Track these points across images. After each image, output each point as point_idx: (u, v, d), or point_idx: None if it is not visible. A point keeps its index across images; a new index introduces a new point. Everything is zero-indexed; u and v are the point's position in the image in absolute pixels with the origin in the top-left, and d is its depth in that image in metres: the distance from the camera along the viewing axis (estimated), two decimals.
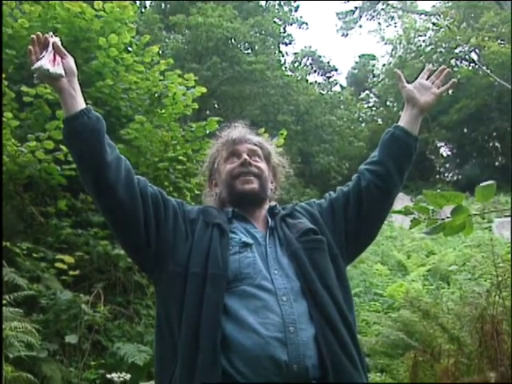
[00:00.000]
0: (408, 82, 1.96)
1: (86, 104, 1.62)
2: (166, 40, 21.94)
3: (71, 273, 4.69)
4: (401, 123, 1.84)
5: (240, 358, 1.37)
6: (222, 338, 1.39)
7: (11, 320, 3.56)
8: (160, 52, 7.94)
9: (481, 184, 2.01)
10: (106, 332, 4.71)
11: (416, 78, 1.98)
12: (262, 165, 1.74)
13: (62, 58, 1.61)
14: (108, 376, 3.53)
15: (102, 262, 5.15)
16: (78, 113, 1.55)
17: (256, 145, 1.78)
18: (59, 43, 1.62)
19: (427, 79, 1.91)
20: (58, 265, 4.66)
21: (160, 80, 6.28)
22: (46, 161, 4.87)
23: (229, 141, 1.77)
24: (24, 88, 5.18)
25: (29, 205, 5.08)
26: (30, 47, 1.58)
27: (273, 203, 1.78)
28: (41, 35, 1.59)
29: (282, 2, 25.76)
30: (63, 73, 1.58)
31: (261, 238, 1.61)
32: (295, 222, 1.66)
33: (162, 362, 1.52)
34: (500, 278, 3.79)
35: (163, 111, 6.03)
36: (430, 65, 2.06)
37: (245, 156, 1.71)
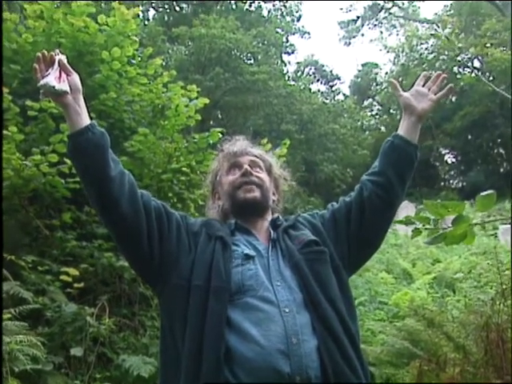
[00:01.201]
0: (405, 91, 1.96)
1: (90, 118, 1.65)
2: (169, 51, 22.08)
3: (76, 285, 4.70)
4: (400, 132, 1.85)
5: (243, 370, 1.37)
6: (226, 350, 1.39)
7: (16, 334, 3.57)
8: (163, 64, 8.01)
9: (481, 193, 2.02)
10: (111, 344, 4.71)
11: (413, 85, 1.98)
12: (263, 175, 1.76)
13: (67, 75, 1.63)
14: None
15: (107, 273, 5.16)
16: (83, 129, 1.59)
17: (257, 157, 1.80)
18: (65, 60, 1.65)
19: (424, 85, 1.90)
20: (63, 277, 4.67)
21: (163, 92, 6.32)
22: (50, 174, 4.90)
23: (230, 153, 1.80)
24: (28, 102, 5.23)
25: (34, 218, 5.11)
26: (36, 65, 1.60)
27: (275, 215, 1.79)
28: (46, 53, 1.62)
29: (284, 13, 25.88)
30: (68, 89, 1.61)
31: (263, 250, 1.62)
32: (297, 234, 1.67)
33: (167, 374, 1.53)
34: (504, 286, 3.78)
35: (166, 123, 6.06)
36: (429, 71, 2.06)
37: (246, 166, 1.73)
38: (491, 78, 21.08)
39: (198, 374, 1.39)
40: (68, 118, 1.62)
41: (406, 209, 16.28)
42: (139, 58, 6.88)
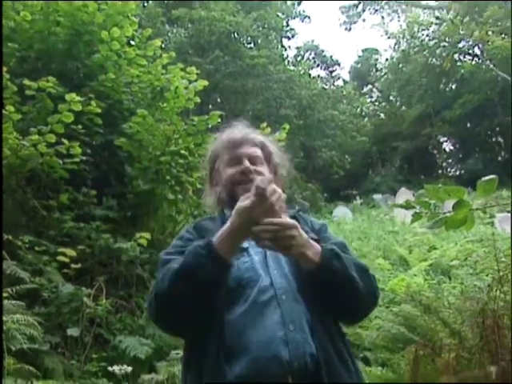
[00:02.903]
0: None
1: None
2: (169, 34, 21.92)
3: (73, 266, 4.70)
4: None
5: (243, 361, 1.38)
6: (225, 345, 1.40)
7: (13, 313, 3.57)
8: (162, 46, 7.94)
9: (482, 178, 2.01)
10: (108, 325, 4.73)
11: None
12: (262, 169, 1.72)
13: None
14: (109, 369, 3.54)
15: (104, 255, 5.17)
16: (229, 264, 1.43)
17: (257, 145, 1.76)
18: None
19: None
20: (60, 258, 4.68)
21: (162, 74, 6.28)
22: (47, 154, 4.88)
23: (230, 142, 1.73)
24: (26, 81, 5.19)
25: (31, 198, 5.09)
26: None
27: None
28: None
29: None
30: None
31: None
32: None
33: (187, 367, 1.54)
34: (501, 273, 3.79)
35: (165, 105, 6.03)
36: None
37: (246, 164, 1.67)
38: (491, 66, 20.96)
39: (201, 367, 1.41)
40: (235, 239, 1.42)
41: (403, 195, 16.34)
42: (138, 40, 6.83)
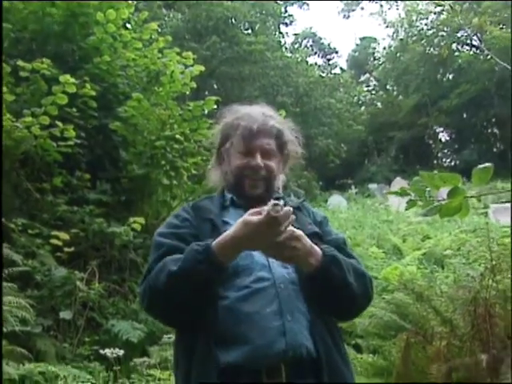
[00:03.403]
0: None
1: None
2: (166, 18, 21.71)
3: (66, 250, 4.69)
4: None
5: (238, 348, 1.37)
6: (219, 331, 1.39)
7: (6, 295, 3.56)
8: (159, 30, 7.84)
9: (478, 166, 2.00)
10: (101, 309, 4.73)
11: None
12: (274, 163, 1.65)
13: None
14: (101, 352, 3.54)
15: (98, 239, 5.15)
16: (227, 268, 1.42)
17: (273, 136, 1.66)
18: None
19: None
20: (53, 241, 4.66)
21: (158, 58, 6.21)
22: (41, 137, 4.84)
23: (246, 131, 1.64)
24: (20, 62, 5.12)
25: (24, 181, 5.06)
26: None
27: (279, 194, 1.73)
28: None
29: None
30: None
31: None
32: (304, 219, 1.63)
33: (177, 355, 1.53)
34: (494, 262, 3.80)
35: (161, 89, 5.98)
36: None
37: (257, 160, 1.62)
38: (490, 55, 20.91)
39: (191, 360, 1.39)
40: (237, 244, 1.40)
41: (398, 185, 16.34)
42: (134, 23, 6.75)
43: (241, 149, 1.64)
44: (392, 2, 30.76)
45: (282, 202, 1.37)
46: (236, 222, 1.39)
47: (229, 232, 1.39)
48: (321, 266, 1.43)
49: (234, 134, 1.67)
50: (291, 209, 1.35)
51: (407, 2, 28.53)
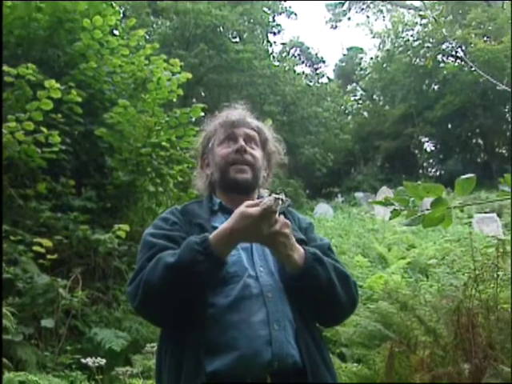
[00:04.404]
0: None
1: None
2: (154, 25, 21.68)
3: (49, 257, 4.63)
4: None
5: (225, 357, 1.36)
6: (206, 339, 1.38)
7: None
8: (146, 37, 7.84)
9: (461, 177, 2.01)
10: (84, 317, 4.68)
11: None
12: (257, 153, 1.68)
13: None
14: (83, 361, 3.50)
15: (82, 246, 5.10)
16: (224, 262, 1.41)
17: (254, 130, 1.71)
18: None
19: None
20: (36, 248, 4.60)
21: (145, 65, 6.21)
22: (25, 142, 4.79)
23: (227, 122, 1.69)
24: (5, 67, 5.08)
25: (7, 187, 5.00)
26: None
27: (264, 192, 1.74)
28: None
29: None
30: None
31: None
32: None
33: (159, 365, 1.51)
34: (477, 272, 3.83)
35: (147, 96, 5.96)
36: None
37: (241, 142, 1.64)
38: (473, 68, 21.20)
39: (181, 363, 1.38)
40: (231, 240, 1.41)
41: (384, 194, 16.47)
42: (121, 29, 6.74)
43: (223, 138, 1.66)
44: (378, 13, 31.12)
45: (282, 195, 1.39)
46: (233, 214, 1.39)
47: (226, 225, 1.39)
48: (304, 265, 1.43)
49: (215, 133, 1.71)
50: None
51: (393, 14, 28.87)
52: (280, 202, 1.35)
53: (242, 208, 1.38)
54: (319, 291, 1.44)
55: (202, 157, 1.75)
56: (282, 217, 1.42)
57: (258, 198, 1.64)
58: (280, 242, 1.40)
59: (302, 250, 1.45)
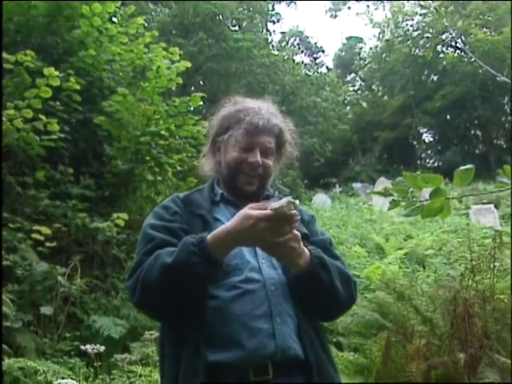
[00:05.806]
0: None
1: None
2: (153, 13, 21.55)
3: (48, 244, 4.63)
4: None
5: (227, 349, 1.36)
6: (208, 331, 1.38)
7: None
8: (145, 25, 7.78)
9: (460, 168, 2.02)
10: (82, 305, 4.70)
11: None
12: (271, 161, 1.64)
13: None
14: (82, 347, 3.52)
15: (80, 234, 5.11)
16: (221, 263, 1.39)
17: (274, 135, 1.64)
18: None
19: None
20: (35, 236, 4.60)
21: (144, 53, 6.18)
22: (24, 130, 4.78)
23: (249, 126, 1.60)
24: (4, 54, 5.05)
25: (6, 174, 4.99)
26: None
27: (269, 192, 1.72)
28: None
29: None
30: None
31: None
32: None
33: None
34: (474, 263, 3.86)
35: (146, 84, 5.94)
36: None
37: (257, 157, 1.59)
38: (472, 60, 21.15)
39: (180, 356, 1.38)
40: (230, 243, 1.39)
41: (382, 185, 16.48)
42: (120, 17, 6.69)
43: (242, 144, 1.60)
44: (378, 3, 30.95)
45: (297, 202, 1.36)
46: (235, 216, 1.36)
47: (226, 226, 1.37)
48: (309, 268, 1.42)
49: (235, 127, 1.63)
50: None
51: (393, 3, 28.72)
52: (292, 206, 1.29)
53: (245, 210, 1.34)
54: (320, 293, 1.45)
55: (214, 139, 1.69)
56: (295, 231, 1.36)
57: (263, 199, 1.61)
58: (284, 253, 1.38)
59: (307, 253, 1.43)
